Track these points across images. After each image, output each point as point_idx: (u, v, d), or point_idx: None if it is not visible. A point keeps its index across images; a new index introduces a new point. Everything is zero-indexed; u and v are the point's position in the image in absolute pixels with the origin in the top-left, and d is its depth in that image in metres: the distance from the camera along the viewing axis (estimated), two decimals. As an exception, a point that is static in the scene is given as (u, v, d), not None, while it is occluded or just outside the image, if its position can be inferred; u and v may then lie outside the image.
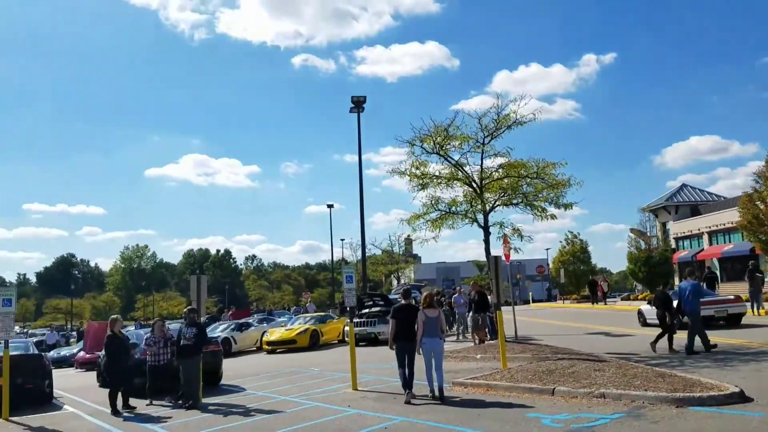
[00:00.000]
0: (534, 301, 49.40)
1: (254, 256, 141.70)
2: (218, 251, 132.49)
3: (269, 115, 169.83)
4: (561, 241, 56.64)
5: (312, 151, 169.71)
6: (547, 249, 61.85)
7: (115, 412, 11.28)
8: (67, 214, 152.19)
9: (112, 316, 13.10)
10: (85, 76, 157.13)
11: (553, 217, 17.61)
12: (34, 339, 29.70)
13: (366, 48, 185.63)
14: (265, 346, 23.33)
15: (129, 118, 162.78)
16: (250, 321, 29.11)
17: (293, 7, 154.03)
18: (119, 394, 11.63)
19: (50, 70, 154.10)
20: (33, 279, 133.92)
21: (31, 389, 13.02)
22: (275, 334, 23.56)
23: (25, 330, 60.20)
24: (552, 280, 57.91)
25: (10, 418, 11.32)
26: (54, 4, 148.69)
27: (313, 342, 22.82)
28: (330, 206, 50.69)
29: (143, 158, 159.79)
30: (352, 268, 14.34)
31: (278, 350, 22.83)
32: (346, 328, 21.86)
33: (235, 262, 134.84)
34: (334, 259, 59.55)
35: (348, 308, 13.61)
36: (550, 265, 54.24)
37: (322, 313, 29.31)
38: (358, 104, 25.77)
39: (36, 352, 15.23)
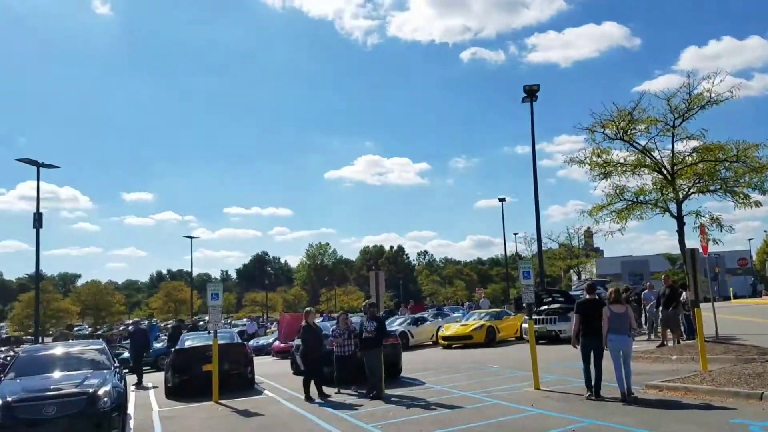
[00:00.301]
0: (735, 297, 44.60)
1: (426, 252, 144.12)
2: (392, 247, 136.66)
3: (438, 112, 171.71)
4: (766, 231, 50.68)
5: (481, 144, 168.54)
6: (749, 239, 55.06)
7: (308, 398, 12.07)
8: (260, 216, 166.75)
9: (306, 309, 14.01)
10: (271, 87, 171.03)
11: (757, 204, 15.84)
12: (237, 329, 32.80)
13: (537, 35, 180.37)
14: (441, 341, 23.56)
15: (311, 124, 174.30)
16: (425, 316, 29.60)
17: (461, 2, 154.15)
18: (313, 382, 12.42)
19: (241, 85, 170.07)
20: (234, 275, 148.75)
21: (236, 375, 14.39)
22: (451, 329, 23.71)
23: (229, 321, 66.97)
24: (756, 274, 51.87)
25: (220, 401, 12.61)
26: (245, 24, 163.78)
27: (489, 338, 22.58)
28: (502, 200, 49.84)
29: (323, 162, 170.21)
30: (529, 263, 13.92)
31: (454, 345, 22.96)
32: (524, 325, 21.36)
33: (408, 257, 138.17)
34: (508, 254, 58.57)
35: (525, 305, 13.25)
36: (754, 257, 48.66)
37: (498, 309, 28.92)
38: (531, 93, 24.99)
39: (239, 341, 16.76)
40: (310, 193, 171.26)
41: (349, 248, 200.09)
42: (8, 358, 29.70)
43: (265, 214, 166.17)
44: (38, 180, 27.21)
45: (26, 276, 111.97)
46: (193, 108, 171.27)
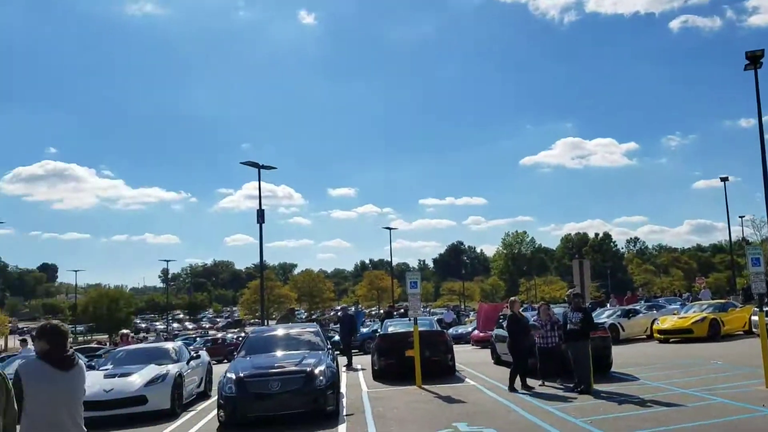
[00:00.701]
0: None
1: (636, 239, 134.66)
2: (597, 235, 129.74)
3: (645, 87, 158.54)
4: None
5: (697, 119, 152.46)
6: None
7: (512, 389, 11.88)
8: (454, 206, 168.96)
9: (512, 298, 13.87)
10: (465, 75, 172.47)
11: None
12: (435, 317, 33.52)
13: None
14: (657, 335, 21.88)
15: (504, 109, 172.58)
16: (638, 307, 27.67)
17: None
18: (517, 373, 12.22)
19: (435, 77, 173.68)
20: (431, 264, 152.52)
21: (437, 362, 14.64)
22: (667, 322, 21.91)
23: (428, 309, 68.85)
24: None
25: (423, 386, 12.97)
26: (438, 18, 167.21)
27: (712, 332, 20.43)
28: (724, 179, 44.56)
29: (518, 148, 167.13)
30: (759, 248, 12.33)
31: (671, 339, 21.16)
32: (753, 317, 18.97)
33: (616, 245, 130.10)
34: (733, 239, 52.33)
35: (756, 295, 11.74)
36: None
37: (722, 301, 26.04)
38: (755, 60, 21.93)
39: (439, 329, 17.07)
40: (505, 181, 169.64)
41: (549, 236, 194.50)
42: (239, 338, 33.62)
43: (459, 203, 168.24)
44: (259, 180, 30.35)
45: (252, 266, 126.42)
46: (389, 104, 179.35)
